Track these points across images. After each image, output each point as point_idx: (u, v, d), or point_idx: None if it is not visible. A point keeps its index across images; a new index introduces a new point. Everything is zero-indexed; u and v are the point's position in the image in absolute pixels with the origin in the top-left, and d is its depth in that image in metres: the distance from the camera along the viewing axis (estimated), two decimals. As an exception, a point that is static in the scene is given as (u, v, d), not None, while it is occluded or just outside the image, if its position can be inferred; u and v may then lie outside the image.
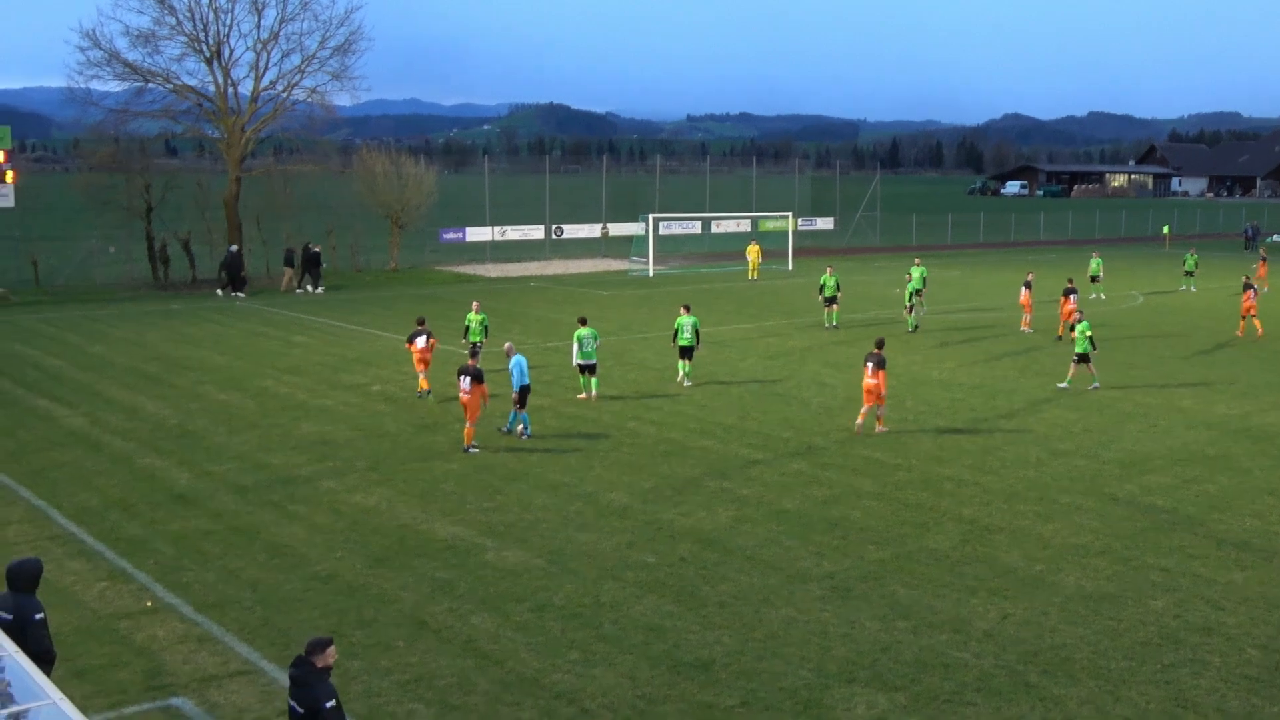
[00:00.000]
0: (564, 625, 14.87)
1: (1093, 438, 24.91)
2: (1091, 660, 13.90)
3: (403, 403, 28.03)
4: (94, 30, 54.14)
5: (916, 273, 45.26)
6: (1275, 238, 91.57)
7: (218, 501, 20.12)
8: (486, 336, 30.79)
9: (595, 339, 28.21)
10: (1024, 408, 27.86)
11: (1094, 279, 51.71)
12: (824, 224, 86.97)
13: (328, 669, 9.66)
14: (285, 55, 57.90)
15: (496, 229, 69.57)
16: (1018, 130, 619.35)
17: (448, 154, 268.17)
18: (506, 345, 25.55)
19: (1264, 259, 58.07)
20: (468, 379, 23.03)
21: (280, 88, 58.43)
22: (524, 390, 24.39)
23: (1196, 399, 29.04)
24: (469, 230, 69.30)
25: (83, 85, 54.63)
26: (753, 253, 60.62)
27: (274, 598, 15.76)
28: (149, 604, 15.55)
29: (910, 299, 40.60)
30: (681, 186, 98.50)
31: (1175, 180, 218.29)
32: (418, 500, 20.19)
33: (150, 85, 55.77)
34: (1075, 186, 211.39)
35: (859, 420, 25.25)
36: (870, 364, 24.83)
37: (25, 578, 11.07)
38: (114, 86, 56.21)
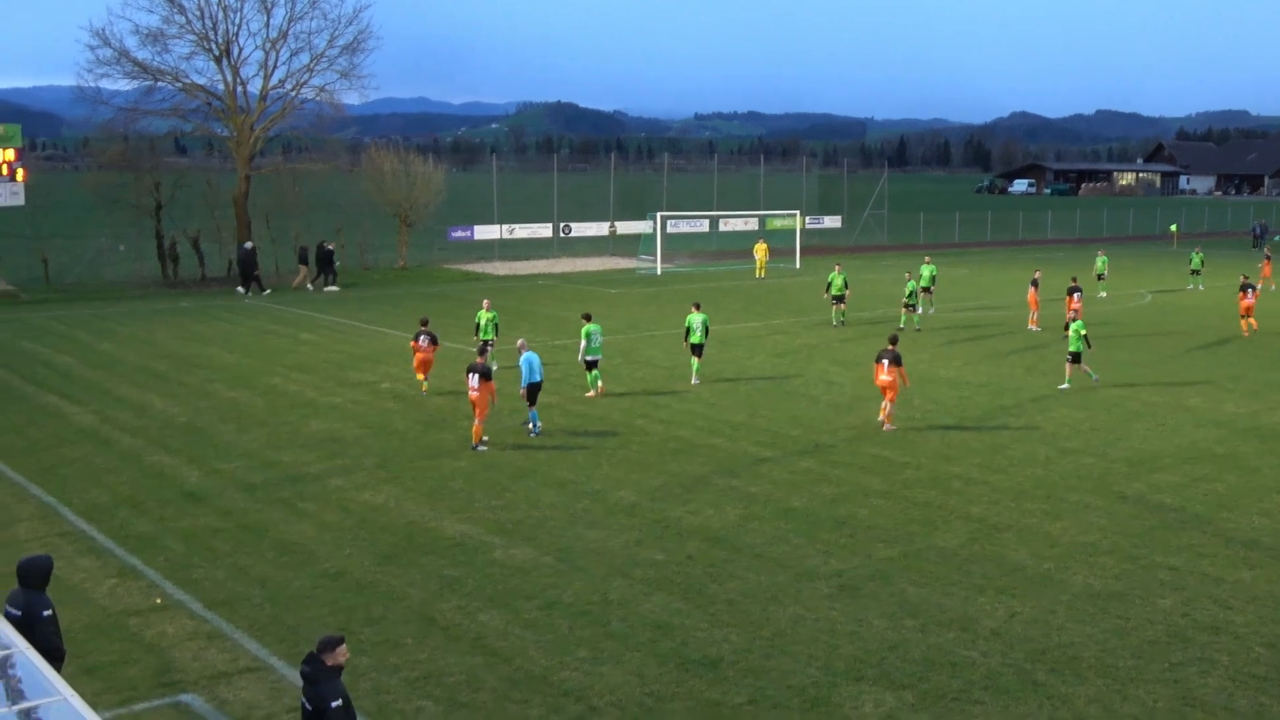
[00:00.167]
0: (572, 623, 14.90)
1: (1101, 436, 24.89)
2: (1099, 659, 13.90)
3: (411, 400, 28.08)
4: (104, 29, 54.35)
5: (926, 271, 45.37)
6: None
7: (227, 499, 20.18)
8: (497, 334, 30.92)
9: (600, 335, 28.34)
10: (1031, 406, 27.84)
11: (1099, 277, 51.68)
12: (831, 222, 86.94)
13: (338, 668, 9.63)
14: (294, 54, 58.08)
15: (505, 227, 69.61)
16: (1025, 128, 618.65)
17: (456, 152, 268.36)
18: (519, 342, 25.61)
19: (1268, 257, 57.98)
20: (476, 376, 23.09)
21: (289, 86, 58.60)
22: (533, 387, 24.46)
23: (1204, 397, 29.00)
24: (477, 228, 69.36)
25: (92, 84, 54.87)
26: (760, 251, 60.63)
27: (283, 595, 15.81)
28: (158, 601, 15.61)
29: (910, 297, 40.49)
30: (689, 185, 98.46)
31: (1183, 179, 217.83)
32: (426, 498, 20.24)
33: (159, 84, 55.95)
34: (1083, 185, 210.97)
35: (887, 420, 25.48)
36: (885, 361, 25.06)
37: (35, 575, 11.12)
38: (123, 85, 56.45)
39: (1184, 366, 33.64)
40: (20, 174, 49.04)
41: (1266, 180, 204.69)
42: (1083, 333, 29.86)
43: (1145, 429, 25.62)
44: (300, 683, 9.77)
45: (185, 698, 12.86)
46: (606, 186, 77.12)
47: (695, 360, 30.50)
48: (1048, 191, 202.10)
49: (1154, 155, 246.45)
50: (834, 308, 41.82)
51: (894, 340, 26.04)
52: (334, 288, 53.31)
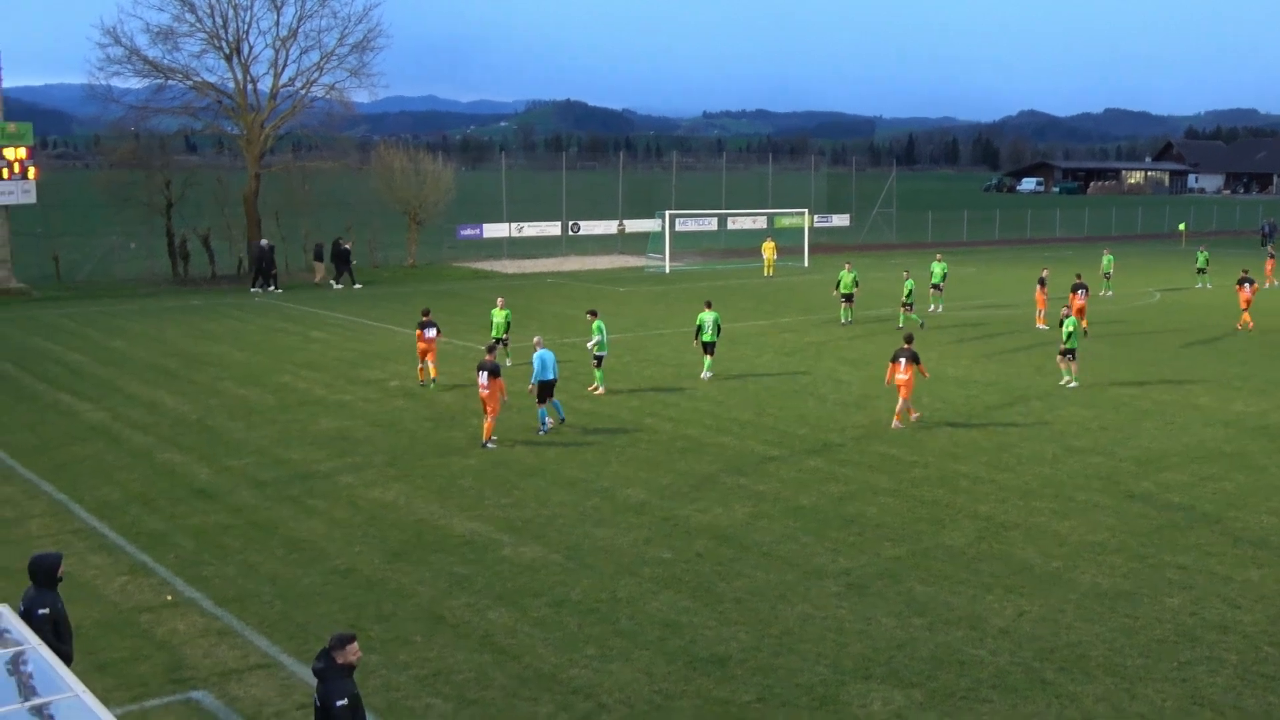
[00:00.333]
0: (581, 620, 14.95)
1: (1109, 435, 24.89)
2: (1107, 657, 13.92)
3: (420, 398, 28.15)
4: (114, 27, 54.39)
5: (938, 268, 45.48)
6: None
7: (237, 496, 20.26)
8: (509, 332, 31.20)
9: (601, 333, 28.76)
10: (1039, 404, 27.84)
11: (1105, 276, 51.65)
12: (840, 221, 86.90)
13: (349, 666, 9.60)
14: (304, 52, 58.11)
15: (513, 225, 69.67)
16: (1034, 127, 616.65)
17: (465, 150, 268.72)
18: (535, 339, 25.72)
19: (1272, 256, 57.91)
20: (485, 374, 23.18)
21: (299, 84, 58.66)
22: (543, 385, 24.54)
23: (1213, 396, 28.97)
24: (486, 227, 69.44)
25: (103, 82, 54.98)
26: (768, 250, 60.65)
27: (293, 592, 15.88)
28: (169, 598, 15.68)
29: (908, 296, 40.46)
30: (698, 183, 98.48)
31: (1192, 177, 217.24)
32: (435, 495, 20.30)
33: (170, 82, 56.00)
34: (1091, 183, 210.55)
35: (912, 414, 25.71)
36: (903, 360, 25.25)
37: (37, 572, 11.23)
38: (134, 83, 56.54)
39: (1192, 365, 33.61)
40: (31, 172, 49.15)
41: (1275, 179, 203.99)
42: (1070, 330, 29.86)
43: (1154, 428, 25.61)
44: (313, 680, 9.80)
45: (196, 694, 12.92)
46: (615, 185, 77.17)
47: (707, 358, 30.66)
48: (1056, 190, 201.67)
49: (1162, 154, 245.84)
50: (842, 306, 41.89)
51: (909, 339, 26.23)
52: (339, 285, 53.49)
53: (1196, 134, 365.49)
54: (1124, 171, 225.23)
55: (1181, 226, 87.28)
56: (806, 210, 72.40)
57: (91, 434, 24.64)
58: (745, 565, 16.95)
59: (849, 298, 41.65)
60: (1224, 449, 23.79)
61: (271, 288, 51.88)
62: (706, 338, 30.39)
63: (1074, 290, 39.28)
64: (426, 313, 29.89)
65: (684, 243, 71.10)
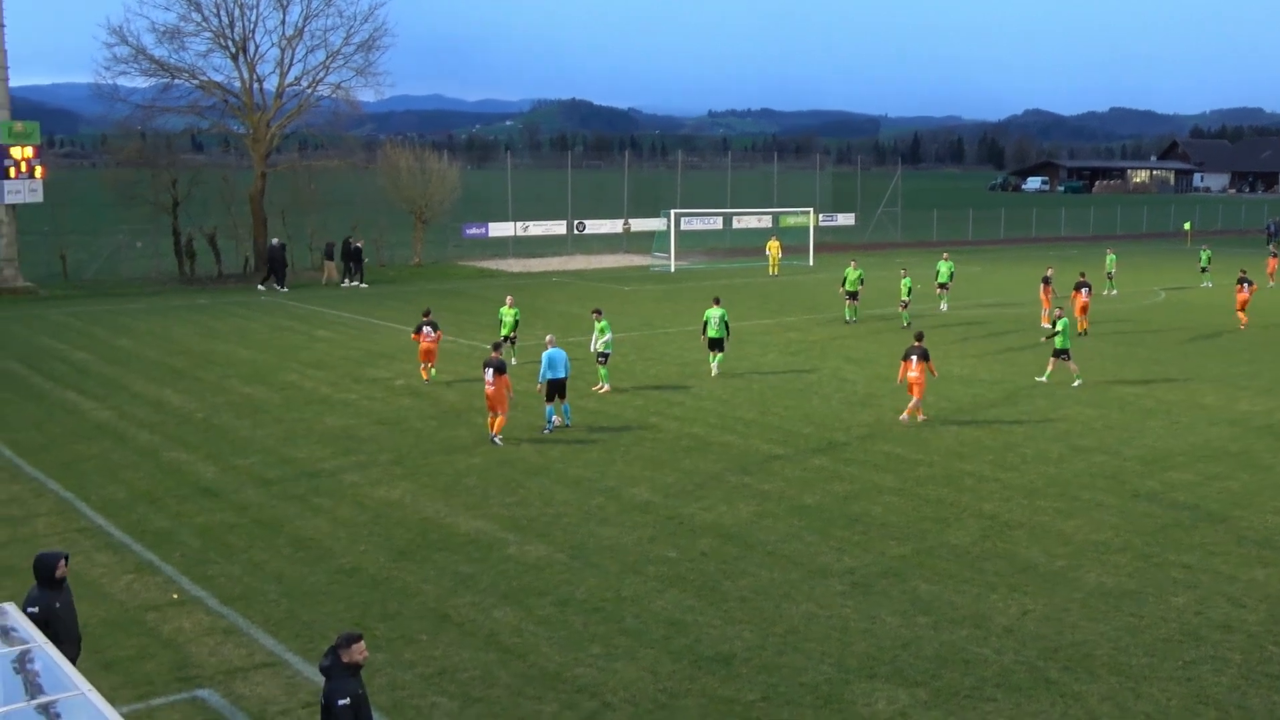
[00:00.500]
0: (586, 619, 14.97)
1: (1114, 434, 24.88)
2: (1112, 657, 13.92)
3: (426, 397, 28.18)
4: (121, 26, 54.52)
5: (944, 267, 45.60)
6: None
7: (243, 495, 20.30)
8: (517, 330, 31.43)
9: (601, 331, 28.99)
10: (1044, 403, 27.82)
11: (1108, 275, 51.64)
12: (845, 219, 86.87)
13: (354, 665, 9.63)
14: (310, 51, 58.21)
15: (519, 224, 69.74)
16: (1039, 126, 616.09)
17: (470, 149, 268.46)
18: (548, 338, 25.81)
19: (1274, 255, 57.87)
20: (491, 371, 23.33)
21: (305, 83, 58.76)
22: (552, 384, 24.61)
23: (1218, 395, 28.95)
24: (492, 225, 69.52)
25: (110, 81, 55.11)
26: (773, 248, 60.65)
27: (299, 590, 15.91)
28: (175, 596, 15.72)
29: (907, 295, 40.41)
30: (703, 182, 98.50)
31: (1197, 176, 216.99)
32: (440, 494, 20.33)
33: (176, 81, 56.13)
34: (1097, 182, 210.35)
35: (919, 415, 25.84)
36: (914, 357, 25.47)
37: (35, 570, 11.35)
38: (141, 83, 56.69)
39: (1198, 364, 33.58)
40: (39, 171, 49.21)
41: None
42: (1058, 329, 29.87)
43: (1159, 427, 25.60)
44: (320, 678, 9.84)
45: (202, 693, 12.95)
46: (620, 184, 77.16)
47: (711, 354, 30.88)
48: (1061, 189, 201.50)
49: (1168, 153, 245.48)
50: (847, 304, 41.93)
51: (920, 336, 26.48)
52: (356, 283, 53.70)
53: (1202, 133, 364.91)
54: (1129, 171, 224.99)
55: (1187, 226, 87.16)
56: (811, 209, 72.35)
57: (98, 432, 24.69)
58: (750, 564, 16.97)
59: (854, 295, 41.70)
60: (1229, 448, 23.77)
61: (280, 286, 51.99)
62: (711, 334, 30.49)
63: (1077, 289, 39.38)
64: (427, 313, 30.34)
65: (689, 242, 71.10)
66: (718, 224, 78.26)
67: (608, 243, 73.25)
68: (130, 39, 54.53)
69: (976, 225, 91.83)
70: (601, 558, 17.22)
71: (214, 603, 15.48)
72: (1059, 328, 29.88)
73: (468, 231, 69.00)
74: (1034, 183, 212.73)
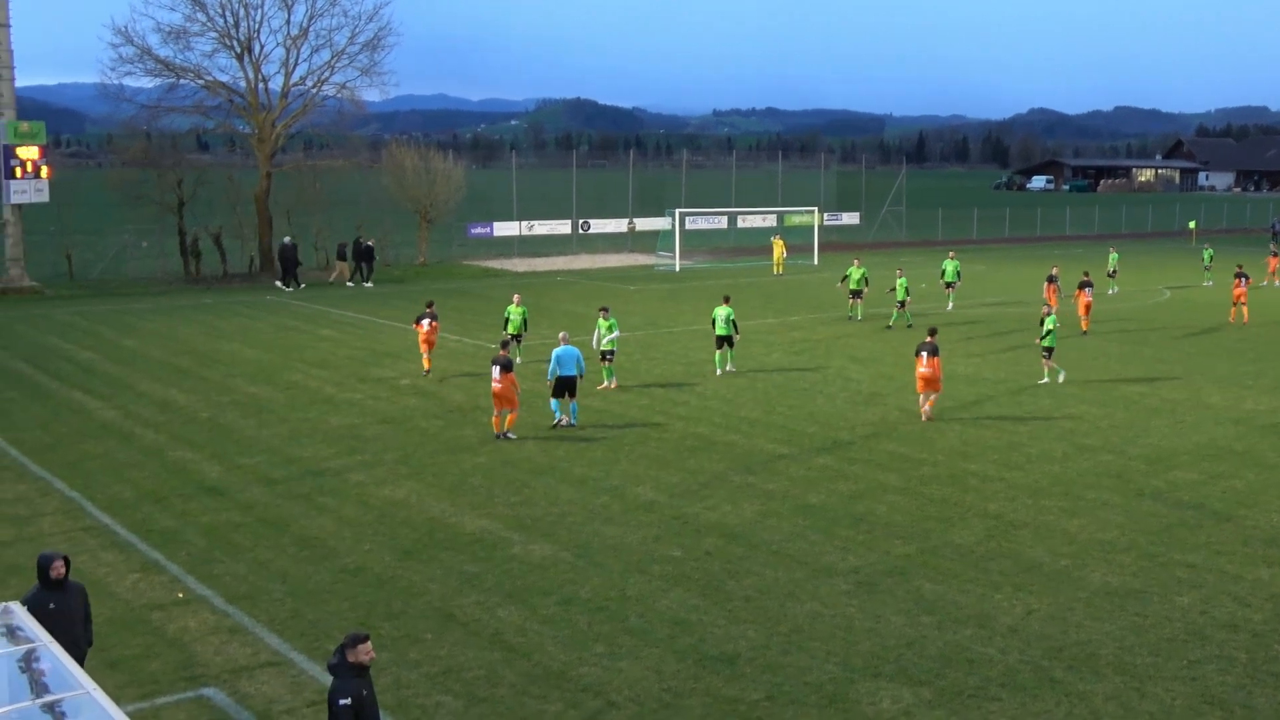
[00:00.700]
0: (590, 618, 14.98)
1: (1119, 433, 24.86)
2: (1117, 656, 13.92)
3: (431, 396, 28.21)
4: (126, 26, 54.60)
5: (950, 266, 45.63)
6: None
7: (248, 494, 20.33)
8: (526, 329, 31.51)
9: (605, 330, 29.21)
10: (1049, 403, 27.81)
11: (1111, 274, 51.62)
12: (850, 219, 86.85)
13: (359, 665, 9.68)
14: (315, 51, 58.24)
15: (524, 224, 69.81)
16: (1044, 125, 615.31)
17: (475, 149, 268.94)
18: (561, 335, 25.93)
19: (1274, 254, 57.87)
20: (498, 369, 23.45)
21: (310, 83, 58.79)
22: (560, 381, 24.72)
23: (1223, 394, 28.93)
24: (496, 225, 69.58)
25: (115, 81, 55.18)
26: (777, 247, 60.66)
27: (304, 589, 15.94)
28: (180, 595, 15.75)
29: (904, 295, 40.37)
30: (707, 181, 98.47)
31: (1202, 175, 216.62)
32: (446, 493, 20.35)
33: (182, 81, 56.20)
34: (1101, 181, 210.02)
35: (923, 409, 25.92)
36: (925, 353, 25.59)
37: (37, 569, 11.43)
38: (146, 82, 56.77)
39: (1202, 363, 33.54)
40: (45, 171, 49.30)
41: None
42: (1050, 328, 29.87)
43: (1164, 426, 25.58)
44: (326, 677, 9.87)
45: (207, 691, 12.98)
46: (625, 183, 77.17)
47: (718, 352, 31.15)
48: (1066, 188, 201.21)
49: (1173, 152, 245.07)
50: (850, 303, 41.99)
51: (933, 332, 26.62)
52: (368, 284, 53.87)
53: (1207, 132, 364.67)
54: (1134, 169, 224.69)
55: (1192, 224, 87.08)
56: (816, 208, 72.35)
57: (103, 432, 24.74)
58: (754, 563, 16.97)
59: (858, 294, 41.73)
60: (1234, 447, 23.75)
61: (295, 285, 52.32)
62: (719, 331, 30.75)
63: (1081, 287, 39.47)
64: (430, 304, 31.24)
65: (694, 241, 71.14)
66: (722, 223, 78.29)
67: (612, 242, 73.27)
68: (135, 39, 54.67)
69: (981, 224, 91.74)
70: (606, 557, 17.23)
71: (219, 602, 15.51)
72: (1049, 326, 29.88)
73: (473, 231, 69.04)
74: (1039, 182, 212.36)
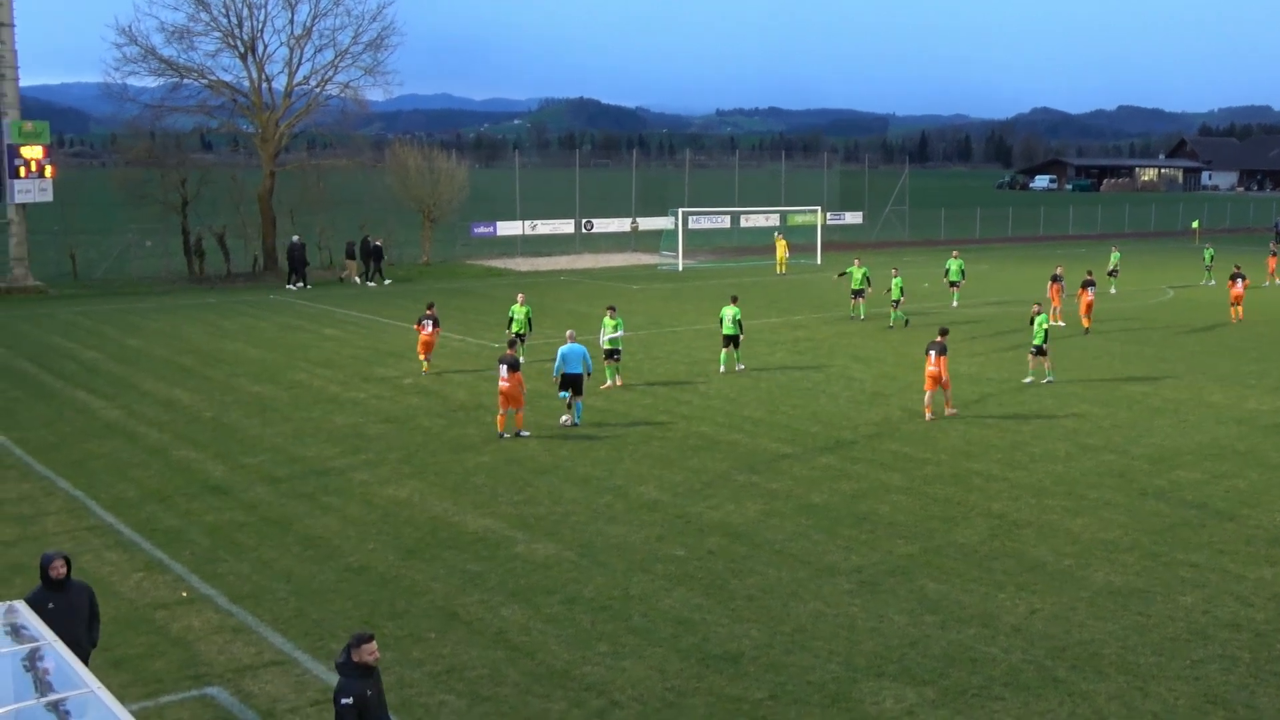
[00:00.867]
0: (594, 618, 15.00)
1: (1122, 433, 24.86)
2: (1120, 655, 13.92)
3: (434, 395, 28.23)
4: (130, 26, 54.62)
5: (954, 265, 45.78)
6: None
7: (252, 493, 20.36)
8: (530, 329, 31.56)
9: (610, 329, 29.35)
10: (1052, 402, 27.81)
11: (1112, 273, 51.61)
12: (853, 218, 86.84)
13: (364, 665, 9.76)
14: (318, 50, 58.25)
15: (527, 223, 69.84)
16: (1047, 124, 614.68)
17: (478, 148, 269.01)
18: (568, 333, 26.03)
19: (1274, 254, 57.89)
20: (505, 368, 23.54)
21: (314, 83, 58.81)
22: (566, 378, 24.90)
23: (1226, 394, 28.91)
24: (500, 224, 69.62)
25: (119, 81, 55.27)
26: (780, 247, 60.68)
27: (308, 589, 15.96)
28: (184, 594, 15.78)
29: (898, 294, 40.33)
30: (710, 181, 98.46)
31: (1205, 174, 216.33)
32: (449, 493, 20.37)
33: (185, 81, 56.25)
34: (1105, 181, 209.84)
35: (927, 408, 25.99)
36: (932, 351, 25.75)
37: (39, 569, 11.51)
38: (150, 82, 56.82)
39: (1205, 362, 33.52)
40: (48, 170, 49.37)
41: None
42: (1045, 327, 29.88)
43: (1166, 425, 25.57)
44: (329, 677, 9.92)
45: (211, 690, 13.01)
46: (628, 183, 77.20)
47: (723, 351, 31.36)
48: (1069, 187, 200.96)
49: (1176, 151, 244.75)
50: (853, 302, 42.03)
51: (944, 332, 26.82)
52: (373, 283, 54.01)
53: (1210, 131, 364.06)
54: (1137, 169, 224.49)
55: (1195, 224, 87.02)
56: (819, 208, 72.35)
57: (107, 431, 24.77)
58: (757, 563, 16.98)
59: (859, 293, 41.77)
60: (1237, 447, 23.75)
61: (303, 284, 52.53)
62: (726, 331, 31.02)
63: (1083, 286, 39.52)
64: (430, 306, 31.43)
65: (697, 240, 71.14)
66: (725, 223, 78.31)
67: (616, 241, 73.30)
68: (139, 39, 54.71)
69: (984, 224, 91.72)
70: (609, 556, 17.25)
71: (223, 601, 15.53)
72: (1040, 324, 29.88)
73: (476, 230, 69.09)
74: (1041, 181, 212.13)
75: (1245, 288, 42.55)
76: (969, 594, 15.82)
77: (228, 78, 57.00)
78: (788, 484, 20.93)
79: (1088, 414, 26.61)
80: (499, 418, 24.25)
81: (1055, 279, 41.50)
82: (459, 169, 66.52)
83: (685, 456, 22.77)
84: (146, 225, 57.66)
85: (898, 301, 40.01)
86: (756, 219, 78.68)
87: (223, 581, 16.20)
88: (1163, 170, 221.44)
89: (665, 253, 66.16)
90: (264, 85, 57.35)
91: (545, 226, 71.29)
